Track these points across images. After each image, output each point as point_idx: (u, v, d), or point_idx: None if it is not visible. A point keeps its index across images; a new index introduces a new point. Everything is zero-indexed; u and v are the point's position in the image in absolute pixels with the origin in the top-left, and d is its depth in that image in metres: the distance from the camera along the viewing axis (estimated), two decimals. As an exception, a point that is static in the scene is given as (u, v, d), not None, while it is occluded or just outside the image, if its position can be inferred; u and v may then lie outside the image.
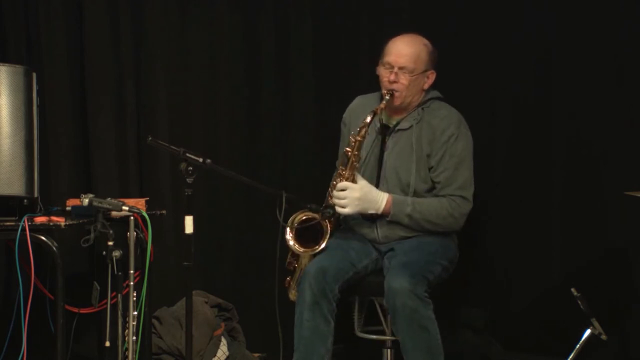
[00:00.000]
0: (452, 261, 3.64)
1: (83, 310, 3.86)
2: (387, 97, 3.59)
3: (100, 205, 3.28)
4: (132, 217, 3.44)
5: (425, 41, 3.67)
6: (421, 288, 3.38)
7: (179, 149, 3.20)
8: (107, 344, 3.41)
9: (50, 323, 3.66)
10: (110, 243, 3.29)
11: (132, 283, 3.38)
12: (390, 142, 3.68)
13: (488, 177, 4.00)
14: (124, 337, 3.45)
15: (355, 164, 3.59)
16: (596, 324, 3.44)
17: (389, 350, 3.77)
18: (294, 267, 3.67)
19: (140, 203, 3.69)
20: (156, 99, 4.39)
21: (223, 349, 4.04)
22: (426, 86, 3.68)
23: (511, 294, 4.07)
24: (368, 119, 3.56)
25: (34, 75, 3.48)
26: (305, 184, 4.19)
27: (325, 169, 4.00)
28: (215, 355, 4.00)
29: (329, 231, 3.59)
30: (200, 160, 3.19)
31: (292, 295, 3.68)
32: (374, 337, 3.78)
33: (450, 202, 3.58)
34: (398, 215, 3.58)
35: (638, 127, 3.81)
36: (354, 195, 3.55)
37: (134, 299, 3.42)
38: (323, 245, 3.59)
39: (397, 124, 3.68)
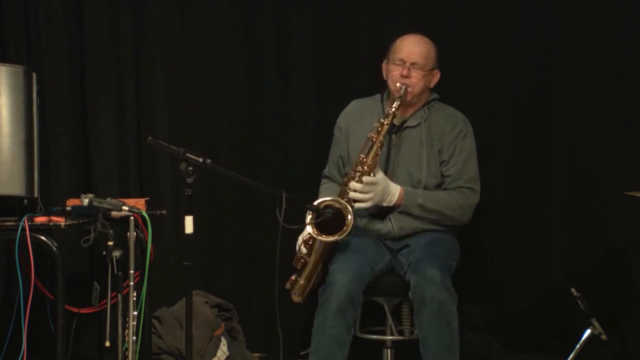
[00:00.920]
0: (458, 259, 3.68)
1: (83, 310, 3.86)
2: (402, 91, 3.62)
3: (100, 205, 3.28)
4: (132, 217, 3.44)
5: (431, 42, 3.76)
6: (449, 281, 3.42)
7: (179, 149, 3.20)
8: (107, 344, 3.41)
9: (50, 323, 3.66)
10: (110, 243, 3.29)
11: (132, 283, 3.38)
12: (397, 140, 3.71)
13: (488, 177, 4.00)
14: (124, 337, 3.45)
15: (379, 151, 3.59)
16: (596, 324, 3.44)
17: (389, 350, 3.77)
18: (303, 263, 3.64)
19: (140, 203, 3.69)
20: (156, 99, 4.39)
21: (223, 349, 4.04)
22: (432, 85, 3.76)
23: (511, 293, 4.07)
24: (394, 108, 3.58)
25: (34, 75, 3.48)
26: (305, 184, 4.19)
27: (326, 168, 4.00)
28: (215, 355, 4.00)
29: (351, 220, 3.51)
30: (200, 160, 3.18)
31: (296, 297, 3.66)
32: (374, 337, 3.78)
33: (459, 194, 3.64)
34: (409, 205, 3.61)
35: (638, 127, 3.81)
36: (378, 189, 3.56)
37: (134, 299, 3.42)
38: (344, 236, 3.50)
39: (405, 121, 3.72)
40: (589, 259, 3.87)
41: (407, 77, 3.65)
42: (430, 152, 3.67)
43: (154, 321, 4.01)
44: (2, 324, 3.77)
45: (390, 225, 3.68)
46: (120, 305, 3.39)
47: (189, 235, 3.18)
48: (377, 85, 3.98)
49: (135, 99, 4.37)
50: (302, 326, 4.15)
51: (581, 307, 3.45)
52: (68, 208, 3.68)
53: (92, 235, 3.26)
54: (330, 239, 3.51)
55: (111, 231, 3.28)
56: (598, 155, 3.88)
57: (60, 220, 3.33)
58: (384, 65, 3.81)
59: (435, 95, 3.80)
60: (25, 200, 3.41)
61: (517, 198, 4.05)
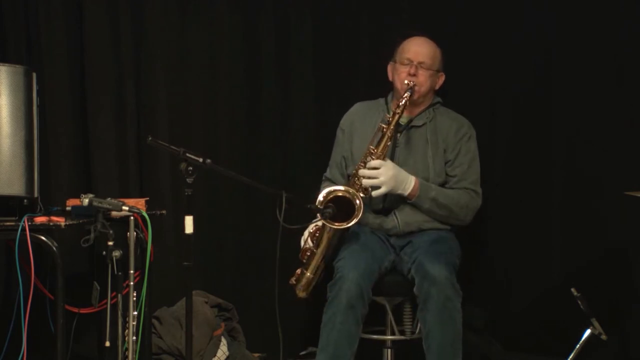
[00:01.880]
0: (460, 256, 3.69)
1: (83, 310, 3.85)
2: (412, 85, 3.67)
3: (100, 205, 3.28)
4: (132, 217, 3.44)
5: (436, 45, 3.81)
6: (454, 278, 3.45)
7: (179, 149, 3.20)
8: (107, 344, 3.41)
9: (50, 323, 3.66)
10: (110, 243, 3.29)
11: (132, 283, 3.38)
12: (402, 139, 3.73)
13: (488, 177, 4.00)
14: (124, 337, 3.45)
15: (389, 141, 3.61)
16: (596, 324, 3.44)
17: (389, 350, 3.77)
18: (310, 255, 3.64)
19: (140, 203, 3.69)
20: (156, 99, 4.39)
21: (223, 349, 4.04)
22: (437, 87, 3.81)
23: (511, 294, 4.07)
24: (407, 95, 3.63)
25: (34, 75, 3.48)
26: (305, 184, 4.19)
27: (326, 169, 4.00)
28: (215, 355, 4.00)
29: (361, 205, 3.52)
30: (200, 160, 3.18)
31: (301, 292, 3.66)
32: (374, 337, 3.78)
33: (466, 194, 3.70)
34: (422, 197, 3.63)
35: (638, 127, 3.82)
36: (389, 173, 3.57)
37: (134, 299, 3.42)
38: (355, 221, 3.51)
39: (410, 120, 3.75)
40: (589, 259, 3.87)
41: (414, 75, 3.70)
42: (435, 151, 3.71)
43: (154, 321, 4.01)
44: (2, 324, 3.77)
45: (396, 220, 3.69)
46: (120, 305, 3.39)
47: (189, 235, 3.18)
48: (377, 86, 3.98)
49: (135, 99, 4.37)
50: (302, 326, 4.16)
51: (581, 307, 3.45)
52: (68, 208, 3.68)
53: (92, 235, 3.26)
54: (344, 225, 3.51)
55: (111, 231, 3.28)
56: (598, 155, 3.88)
57: (60, 220, 3.33)
58: (389, 66, 3.82)
59: (438, 99, 3.84)
60: (25, 200, 3.41)
61: (517, 198, 4.05)
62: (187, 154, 3.17)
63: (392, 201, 3.69)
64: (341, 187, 3.60)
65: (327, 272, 3.62)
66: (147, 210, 3.52)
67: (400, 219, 3.69)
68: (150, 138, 3.27)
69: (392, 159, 3.69)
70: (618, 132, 3.85)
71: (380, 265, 3.59)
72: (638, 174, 3.71)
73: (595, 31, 3.85)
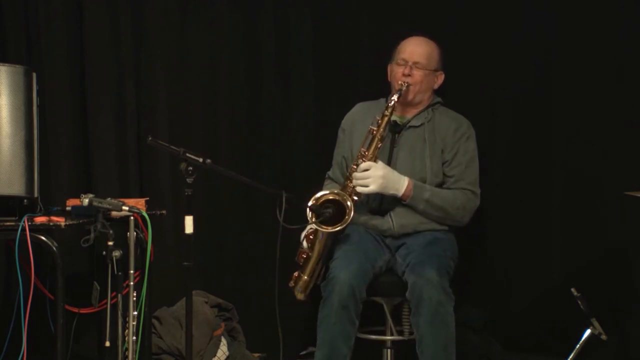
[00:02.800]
0: (455, 257, 3.69)
1: (83, 310, 3.86)
2: (404, 88, 3.68)
3: (100, 205, 3.28)
4: (132, 217, 3.44)
5: (435, 44, 3.82)
6: (446, 282, 3.43)
7: (179, 149, 3.20)
8: (107, 344, 3.41)
9: (50, 323, 3.66)
10: (110, 243, 3.29)
11: (132, 283, 3.38)
12: (400, 139, 3.74)
13: (488, 177, 4.00)
14: (124, 337, 3.45)
15: (378, 144, 3.63)
16: (596, 324, 3.44)
17: (389, 350, 3.77)
18: (306, 258, 3.65)
19: (140, 203, 3.69)
20: (156, 99, 4.39)
21: (223, 349, 4.04)
22: (436, 86, 3.81)
23: (511, 293, 4.07)
24: (394, 98, 3.64)
25: (34, 75, 3.48)
26: (305, 184, 4.19)
27: (325, 169, 4.01)
28: (215, 355, 4.00)
29: (351, 207, 3.55)
30: (200, 160, 3.18)
31: (299, 294, 3.67)
32: (374, 337, 3.78)
33: (463, 194, 3.68)
34: (416, 199, 3.63)
35: (638, 127, 3.81)
36: (377, 173, 3.60)
37: (134, 299, 3.42)
38: (346, 225, 3.55)
39: (408, 121, 3.75)
40: (589, 259, 3.87)
41: (408, 75, 3.71)
42: (432, 151, 3.70)
43: (154, 321, 4.01)
44: (2, 324, 3.77)
45: (391, 222, 3.69)
46: (120, 305, 3.39)
47: (189, 235, 3.18)
48: (377, 86, 3.98)
49: (135, 99, 4.37)
50: (302, 326, 4.15)
51: (581, 307, 3.45)
52: (68, 208, 3.68)
53: (92, 235, 3.26)
54: (332, 229, 3.53)
55: (111, 231, 3.28)
56: (598, 155, 3.88)
57: (60, 220, 3.33)
58: (388, 67, 3.83)
59: (438, 99, 3.83)
60: (25, 200, 3.41)
61: (517, 198, 4.05)
62: (187, 154, 3.17)
63: (388, 202, 3.69)
64: (332, 191, 3.61)
65: (326, 272, 3.62)
66: (147, 210, 3.52)
67: (396, 221, 3.68)
68: (150, 138, 3.27)
69: (390, 159, 3.70)
70: (618, 132, 3.85)
71: (373, 265, 3.59)
72: (638, 174, 3.71)
73: (595, 31, 3.85)
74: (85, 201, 3.28)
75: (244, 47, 4.36)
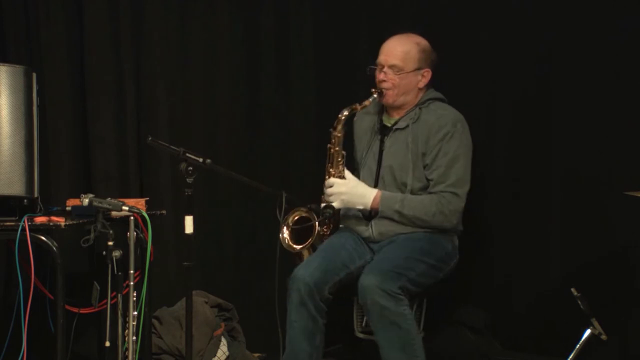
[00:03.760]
0: (442, 260, 3.63)
1: (83, 310, 3.86)
2: (375, 96, 3.65)
3: (100, 205, 3.28)
4: (132, 217, 3.44)
5: (419, 39, 3.71)
6: (392, 284, 3.39)
7: (179, 149, 3.20)
8: (107, 344, 3.41)
9: (50, 323, 3.66)
10: (110, 243, 3.29)
11: (132, 283, 3.38)
12: (388, 142, 3.71)
13: (488, 176, 4.00)
14: (124, 337, 3.45)
15: (338, 159, 3.65)
16: (596, 324, 3.44)
17: (388, 350, 3.77)
18: (300, 256, 3.72)
19: (140, 203, 3.69)
20: (156, 99, 4.39)
21: (223, 349, 4.05)
22: (421, 85, 3.71)
23: (511, 294, 4.06)
24: (345, 114, 3.63)
25: (34, 75, 3.49)
26: (305, 184, 4.19)
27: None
28: (215, 355, 4.00)
29: (316, 229, 3.65)
30: (200, 160, 3.19)
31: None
32: (374, 337, 3.78)
33: (440, 199, 3.59)
34: (386, 211, 3.61)
35: (638, 127, 3.81)
36: (339, 189, 3.61)
37: (134, 299, 3.42)
38: (310, 241, 3.66)
39: (395, 123, 3.71)
40: (589, 259, 3.86)
41: (383, 80, 3.66)
42: (415, 155, 3.64)
43: (154, 321, 4.01)
44: (2, 324, 3.77)
45: (370, 230, 3.69)
46: (120, 305, 3.39)
47: (189, 235, 3.18)
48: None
49: (135, 99, 4.37)
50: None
51: (581, 307, 3.45)
52: (68, 208, 3.68)
53: (92, 235, 3.27)
54: (298, 249, 3.67)
55: (111, 231, 3.28)
56: (598, 155, 3.87)
57: (60, 220, 3.34)
58: None
59: (433, 95, 3.74)
60: (25, 200, 3.41)
61: (517, 198, 4.04)
62: (187, 154, 3.18)
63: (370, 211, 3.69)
64: (301, 208, 3.70)
65: None
66: (147, 210, 3.52)
67: (375, 229, 3.68)
68: (150, 138, 3.27)
69: (378, 164, 3.70)
70: (618, 132, 3.84)
71: (348, 265, 3.59)
72: (638, 174, 3.71)
73: (595, 31, 3.85)
74: (85, 201, 3.28)
75: (244, 47, 4.36)
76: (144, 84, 4.39)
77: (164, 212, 3.89)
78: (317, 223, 3.65)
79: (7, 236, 3.31)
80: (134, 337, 3.46)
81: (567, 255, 3.95)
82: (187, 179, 3.16)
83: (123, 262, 3.35)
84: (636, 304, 3.77)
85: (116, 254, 3.30)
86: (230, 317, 4.22)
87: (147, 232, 3.46)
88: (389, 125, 3.73)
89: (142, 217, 3.44)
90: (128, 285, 3.40)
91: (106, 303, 3.39)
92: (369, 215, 3.69)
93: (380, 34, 4.10)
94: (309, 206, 3.65)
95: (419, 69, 3.68)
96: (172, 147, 3.25)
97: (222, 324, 4.12)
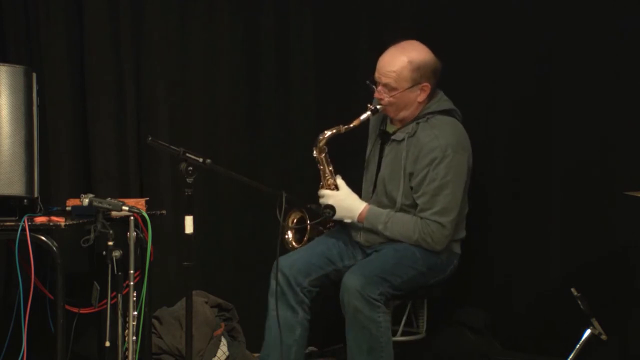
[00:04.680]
0: (434, 268, 3.61)
1: (83, 310, 3.85)
2: (369, 112, 3.62)
3: (100, 205, 3.28)
4: (132, 217, 3.44)
5: (414, 55, 3.58)
6: (373, 290, 3.40)
7: (179, 149, 3.20)
8: (107, 344, 3.41)
9: (50, 323, 3.66)
10: (110, 243, 3.29)
11: (132, 283, 3.38)
12: (387, 150, 3.70)
13: (488, 176, 4.00)
14: (124, 337, 3.45)
15: (326, 175, 3.68)
16: (596, 324, 3.44)
17: (389, 351, 3.76)
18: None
19: (140, 203, 3.69)
20: (156, 99, 4.39)
21: (223, 349, 4.05)
22: (421, 99, 3.61)
23: (511, 294, 4.06)
24: (326, 135, 3.64)
25: (34, 75, 3.48)
26: (306, 184, 4.19)
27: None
28: (215, 355, 4.01)
29: (308, 228, 3.71)
30: (200, 160, 3.19)
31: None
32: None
33: (424, 227, 3.53)
34: (371, 227, 3.63)
35: (638, 127, 3.81)
36: (327, 202, 3.63)
37: (134, 299, 3.42)
38: (305, 240, 3.73)
39: (394, 133, 3.69)
40: (589, 259, 3.86)
41: (380, 98, 3.61)
42: (405, 172, 3.59)
43: (154, 321, 4.01)
44: (2, 324, 3.77)
45: (359, 236, 3.70)
46: (120, 305, 3.39)
47: (189, 235, 3.18)
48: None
49: (135, 99, 4.37)
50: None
51: (581, 307, 3.45)
52: (68, 208, 3.68)
53: (92, 235, 3.26)
54: (298, 246, 3.72)
55: (111, 231, 3.28)
56: (598, 155, 3.88)
57: (60, 220, 3.34)
58: None
59: (437, 107, 3.63)
60: (25, 200, 3.41)
61: (517, 198, 4.05)
62: (187, 154, 3.18)
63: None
64: (298, 210, 3.74)
65: None
66: (147, 210, 3.52)
67: (363, 236, 3.69)
68: (150, 138, 3.27)
69: (377, 173, 3.70)
70: (618, 132, 3.84)
71: (334, 262, 3.65)
72: (638, 174, 3.71)
73: (595, 31, 3.85)
74: (85, 201, 3.28)
75: (244, 47, 4.36)
76: (144, 84, 4.39)
77: (164, 212, 3.89)
78: (308, 222, 3.68)
79: (7, 236, 3.31)
80: (134, 337, 3.46)
81: (567, 255, 3.95)
82: (187, 179, 3.16)
83: (123, 262, 3.35)
84: (636, 304, 3.77)
85: (116, 254, 3.30)
86: (230, 317, 4.22)
87: (147, 232, 3.46)
88: (390, 132, 3.71)
89: (142, 217, 3.44)
90: (128, 285, 3.40)
91: (106, 303, 3.39)
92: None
93: (380, 34, 4.12)
94: (308, 206, 3.65)
95: (413, 85, 3.58)
96: (172, 147, 3.25)
97: (222, 324, 4.12)
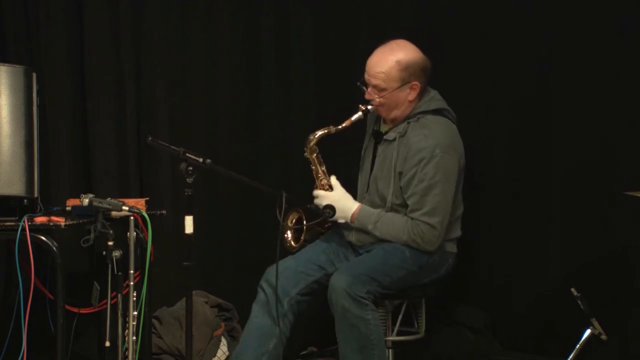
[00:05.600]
0: (426, 267, 3.59)
1: (83, 310, 3.86)
2: (360, 113, 3.62)
3: (100, 205, 3.28)
4: (132, 217, 3.44)
5: (402, 54, 3.57)
6: (360, 288, 3.40)
7: (179, 149, 3.20)
8: (107, 344, 3.41)
9: (50, 323, 3.66)
10: (110, 243, 3.29)
11: (132, 283, 3.38)
12: (379, 149, 3.69)
13: (488, 176, 4.00)
14: (124, 337, 3.45)
15: (319, 175, 3.69)
16: (596, 324, 3.44)
17: (389, 351, 3.77)
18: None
19: (140, 203, 3.70)
20: (156, 99, 4.39)
21: (223, 349, 4.05)
22: (411, 97, 3.59)
23: (511, 294, 4.06)
24: (317, 135, 3.67)
25: (34, 75, 3.49)
26: (306, 184, 4.18)
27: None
28: (215, 355, 4.01)
29: (303, 229, 3.68)
30: (200, 160, 3.19)
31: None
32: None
33: (414, 228, 3.51)
34: (361, 227, 3.63)
35: (638, 127, 3.81)
36: (321, 203, 3.63)
37: (134, 299, 3.42)
38: (302, 240, 3.70)
39: (386, 132, 3.69)
40: (589, 259, 3.86)
41: (371, 99, 3.61)
42: (396, 172, 3.59)
43: (154, 321, 4.02)
44: (2, 324, 3.77)
45: (351, 236, 3.70)
46: (120, 305, 3.39)
47: (189, 235, 3.18)
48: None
49: (135, 99, 4.37)
50: (303, 326, 4.15)
51: (581, 307, 3.45)
52: (68, 208, 3.68)
53: (92, 235, 3.27)
54: (296, 247, 3.71)
55: (111, 231, 3.28)
56: (598, 155, 3.87)
57: (60, 220, 3.34)
58: None
59: (426, 107, 3.61)
60: (25, 200, 3.41)
61: (517, 198, 4.05)
62: (187, 154, 3.18)
63: None
64: (295, 211, 3.73)
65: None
66: (147, 210, 3.52)
67: (355, 236, 3.69)
68: (150, 138, 3.27)
69: (370, 171, 3.70)
70: (618, 132, 3.84)
71: (324, 267, 3.64)
72: (638, 174, 3.71)
73: (595, 31, 3.85)
74: (85, 201, 3.28)
75: (244, 47, 4.36)
76: (144, 84, 4.39)
77: (164, 212, 3.90)
78: (305, 222, 3.66)
79: (7, 236, 3.31)
80: (134, 337, 3.46)
81: (567, 255, 3.95)
82: (187, 179, 3.16)
83: (123, 262, 3.35)
84: (636, 304, 3.77)
85: (116, 254, 3.30)
86: (230, 317, 4.22)
87: (147, 232, 3.46)
88: (383, 132, 3.71)
89: (142, 217, 3.44)
90: (128, 285, 3.40)
91: (106, 303, 3.39)
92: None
93: (380, 34, 4.10)
94: (308, 206, 3.65)
95: (403, 85, 3.57)
96: (172, 147, 3.25)
97: (222, 324, 4.12)
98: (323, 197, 3.64)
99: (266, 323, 3.54)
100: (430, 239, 3.51)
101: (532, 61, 4.00)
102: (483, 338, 3.99)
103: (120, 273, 3.35)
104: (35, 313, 3.45)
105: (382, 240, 3.59)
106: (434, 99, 3.65)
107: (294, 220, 3.72)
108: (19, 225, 3.24)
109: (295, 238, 3.73)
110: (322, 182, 3.68)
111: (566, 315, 3.74)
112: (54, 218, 3.36)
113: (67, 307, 3.52)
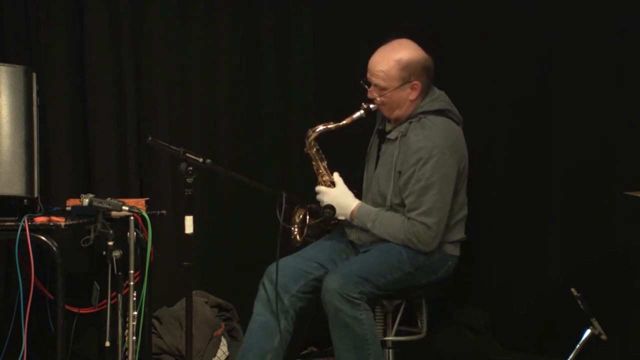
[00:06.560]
0: (423, 269, 3.58)
1: (83, 310, 3.86)
2: (362, 111, 3.62)
3: (100, 205, 3.28)
4: (132, 217, 3.44)
5: (402, 53, 3.56)
6: (352, 289, 3.39)
7: (179, 149, 3.20)
8: (107, 344, 3.41)
9: (50, 323, 3.66)
10: (110, 243, 3.29)
11: (132, 283, 3.38)
12: (383, 149, 3.70)
13: (488, 176, 4.00)
14: (124, 337, 3.45)
15: (320, 171, 3.69)
16: (596, 324, 3.44)
17: (389, 351, 3.77)
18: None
19: (140, 203, 3.69)
20: (156, 99, 4.39)
21: (223, 349, 4.05)
22: (412, 97, 3.58)
23: (511, 294, 4.07)
24: (317, 130, 3.68)
25: (34, 75, 3.49)
26: (306, 183, 4.19)
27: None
28: (215, 355, 4.01)
29: (306, 224, 3.69)
30: (200, 160, 3.19)
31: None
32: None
33: (410, 227, 3.50)
34: (360, 225, 3.63)
35: (638, 127, 3.81)
36: (322, 198, 3.65)
37: (134, 299, 3.42)
38: (304, 235, 3.72)
39: (389, 132, 3.69)
40: (589, 259, 3.87)
41: (373, 98, 3.61)
42: (396, 171, 3.58)
43: (154, 321, 4.02)
44: (2, 324, 3.77)
45: (353, 234, 3.71)
46: (120, 305, 3.39)
47: (189, 235, 3.18)
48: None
49: (135, 99, 4.37)
50: (302, 326, 4.15)
51: (581, 307, 3.45)
52: (68, 208, 3.68)
53: (92, 235, 3.27)
54: (300, 239, 3.72)
55: (111, 231, 3.28)
56: (598, 155, 3.88)
57: (60, 220, 3.34)
58: None
59: (428, 107, 3.60)
60: (25, 200, 3.41)
61: (517, 198, 4.05)
62: (187, 154, 3.18)
63: None
64: (301, 207, 3.75)
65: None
66: (147, 210, 3.52)
67: (355, 234, 3.69)
68: (150, 138, 3.27)
69: (374, 167, 3.70)
70: (618, 132, 3.84)
71: (324, 266, 3.64)
72: (638, 174, 3.71)
73: (595, 31, 3.85)
74: (85, 201, 3.28)
75: (244, 47, 4.37)
76: (144, 84, 4.39)
77: (164, 212, 3.90)
78: (307, 220, 3.68)
79: (7, 236, 3.31)
80: (134, 337, 3.46)
81: (567, 255, 3.95)
82: (187, 179, 3.16)
83: (123, 262, 3.36)
84: (636, 304, 3.77)
85: (116, 254, 3.30)
86: (230, 317, 4.22)
87: (147, 232, 3.46)
88: (387, 131, 3.72)
89: (142, 217, 3.44)
90: (128, 285, 3.40)
91: (106, 303, 3.39)
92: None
93: (380, 34, 4.10)
94: (309, 206, 3.65)
95: (404, 84, 3.56)
96: (172, 147, 3.25)
97: (222, 324, 4.12)
98: (324, 193, 3.65)
99: (269, 320, 3.54)
100: (426, 239, 3.50)
101: (532, 61, 4.00)
102: (483, 338, 3.99)
103: (120, 273, 3.35)
104: (35, 313, 3.45)
105: (382, 240, 3.59)
106: (438, 99, 3.64)
107: (300, 216, 3.72)
108: (19, 225, 3.24)
109: (301, 233, 3.73)
110: (324, 179, 3.69)
111: (566, 315, 3.74)
112: (54, 218, 3.36)
113: (67, 307, 3.52)
